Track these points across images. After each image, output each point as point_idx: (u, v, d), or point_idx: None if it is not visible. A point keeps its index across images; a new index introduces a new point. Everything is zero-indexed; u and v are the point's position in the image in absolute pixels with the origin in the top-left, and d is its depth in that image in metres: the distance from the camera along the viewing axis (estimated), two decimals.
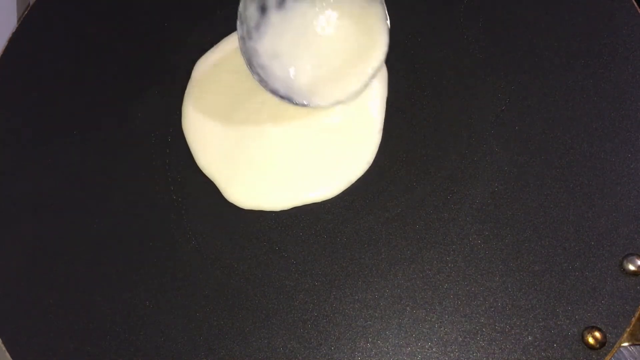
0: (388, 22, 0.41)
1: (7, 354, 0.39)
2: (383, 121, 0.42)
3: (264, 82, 0.41)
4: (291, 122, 0.43)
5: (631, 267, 0.36)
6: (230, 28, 0.46)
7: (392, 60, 0.44)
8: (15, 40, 0.50)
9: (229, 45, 0.46)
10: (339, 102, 0.42)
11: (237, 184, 0.42)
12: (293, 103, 0.41)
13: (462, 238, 0.38)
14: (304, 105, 0.41)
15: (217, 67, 0.46)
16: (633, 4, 0.42)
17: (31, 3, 0.51)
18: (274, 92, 0.41)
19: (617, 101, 0.40)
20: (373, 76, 0.41)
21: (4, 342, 0.40)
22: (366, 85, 0.41)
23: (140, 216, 0.42)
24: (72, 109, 0.47)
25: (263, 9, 0.41)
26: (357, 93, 0.41)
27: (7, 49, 0.50)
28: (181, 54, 0.47)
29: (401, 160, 0.41)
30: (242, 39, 0.41)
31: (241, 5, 0.40)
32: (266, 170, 0.42)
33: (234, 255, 0.40)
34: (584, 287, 0.36)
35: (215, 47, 0.47)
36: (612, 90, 0.40)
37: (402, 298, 0.37)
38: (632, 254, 0.36)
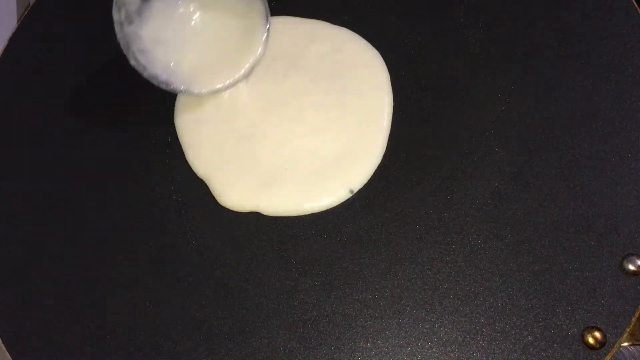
0: (269, 20, 0.41)
1: (7, 354, 0.39)
2: (389, 133, 0.42)
3: (141, 67, 0.41)
4: (290, 124, 0.43)
5: (631, 267, 0.36)
6: None
7: (392, 61, 0.44)
8: (15, 40, 0.50)
9: None
10: (216, 92, 0.42)
11: (230, 188, 0.42)
12: (170, 89, 0.41)
13: (462, 238, 0.38)
14: (181, 92, 0.42)
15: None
16: (633, 4, 0.42)
17: (31, 3, 0.51)
18: (153, 77, 0.41)
19: (617, 101, 0.40)
20: (253, 67, 0.42)
21: (4, 342, 0.40)
22: (246, 76, 0.42)
23: (140, 216, 0.42)
24: (72, 109, 0.47)
25: None
26: (235, 83, 0.42)
27: (7, 49, 0.50)
28: None
29: (401, 160, 0.41)
30: (120, 24, 0.40)
31: None
32: (262, 176, 0.42)
33: (234, 255, 0.40)
34: (584, 287, 0.36)
35: None
36: (612, 90, 0.40)
37: (402, 298, 0.37)
38: (632, 254, 0.36)
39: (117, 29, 0.41)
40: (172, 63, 0.42)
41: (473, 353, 0.36)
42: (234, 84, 0.43)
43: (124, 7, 0.40)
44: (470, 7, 0.45)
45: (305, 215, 0.41)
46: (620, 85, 0.40)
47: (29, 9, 0.51)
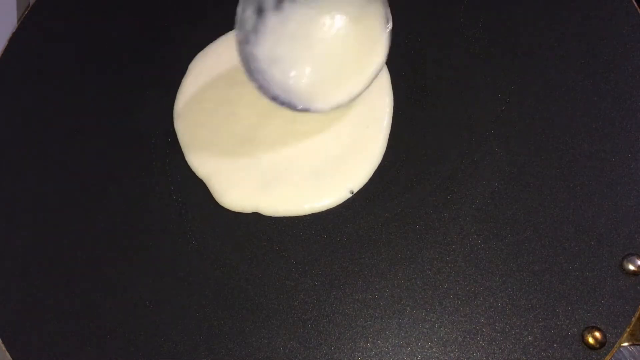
0: (390, 23, 0.40)
1: (7, 354, 0.39)
2: (389, 133, 0.42)
3: (263, 89, 0.39)
4: (290, 125, 0.43)
5: (631, 267, 0.36)
6: (226, 28, 0.46)
7: (392, 61, 0.44)
8: (15, 40, 0.50)
9: (223, 47, 0.46)
10: (340, 106, 0.41)
11: (230, 189, 0.42)
12: (295, 109, 0.40)
13: (462, 238, 0.38)
14: (305, 111, 0.40)
15: (210, 71, 0.46)
16: (633, 4, 0.42)
17: (31, 3, 0.51)
18: (275, 99, 0.40)
19: (617, 101, 0.40)
20: (373, 78, 0.41)
21: (4, 342, 0.40)
22: (367, 87, 0.41)
23: (140, 216, 0.42)
24: (72, 109, 0.47)
25: (260, 12, 0.40)
26: (358, 95, 0.41)
27: (7, 49, 0.50)
28: (182, 53, 0.47)
29: (401, 160, 0.41)
30: (240, 44, 0.39)
31: (239, 8, 0.39)
32: (262, 177, 0.42)
33: (234, 255, 0.40)
34: (584, 287, 0.36)
35: (208, 48, 0.47)
36: (612, 90, 0.40)
37: (402, 298, 0.37)
38: (632, 254, 0.36)
39: (238, 49, 0.39)
40: (289, 81, 0.40)
41: (473, 353, 0.36)
42: (356, 96, 0.41)
43: (243, 26, 0.39)
44: (470, 7, 0.45)
45: (305, 215, 0.41)
46: (620, 85, 0.40)
47: (29, 9, 0.51)
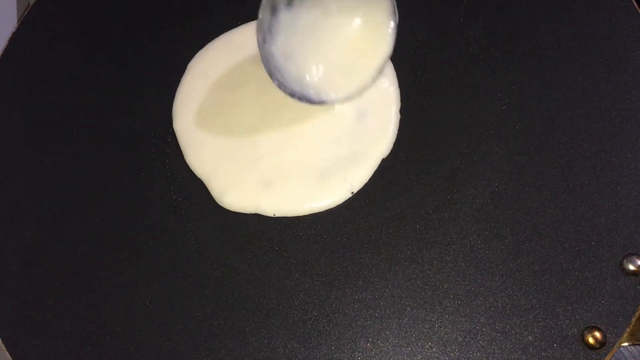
0: (396, 15, 0.40)
1: (7, 354, 0.39)
2: (391, 134, 0.42)
3: (282, 86, 0.40)
4: (291, 125, 0.43)
5: (631, 267, 0.36)
6: (225, 27, 0.46)
7: (392, 61, 0.44)
8: (15, 40, 0.50)
9: (222, 46, 0.46)
10: (351, 97, 0.41)
11: (230, 190, 0.42)
12: (312, 102, 0.41)
13: (462, 238, 0.38)
14: (321, 103, 0.41)
15: (210, 70, 0.46)
16: (633, 4, 0.42)
17: (31, 3, 0.51)
18: (293, 95, 0.41)
19: (617, 101, 0.40)
20: (382, 69, 0.41)
21: (4, 342, 0.40)
22: (376, 78, 0.41)
23: (140, 216, 0.42)
24: (72, 109, 0.47)
25: (274, 10, 0.41)
26: (368, 86, 0.41)
27: (7, 49, 0.50)
28: (181, 53, 0.47)
29: (401, 160, 0.41)
30: (259, 44, 0.40)
31: (260, 10, 0.40)
32: (262, 177, 0.42)
33: (234, 255, 0.40)
34: (584, 287, 0.36)
35: (207, 47, 0.47)
36: (612, 90, 0.40)
37: (402, 298, 0.37)
38: (632, 254, 0.36)
39: (260, 50, 0.40)
40: (303, 75, 0.41)
41: (473, 353, 0.36)
42: (367, 87, 0.41)
43: (261, 26, 0.40)
44: (470, 7, 0.45)
45: (305, 215, 0.41)
46: (620, 85, 0.40)
47: (29, 9, 0.51)
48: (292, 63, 0.41)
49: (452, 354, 0.36)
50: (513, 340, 0.35)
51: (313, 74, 0.42)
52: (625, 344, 0.35)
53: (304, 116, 0.43)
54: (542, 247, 0.37)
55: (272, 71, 0.40)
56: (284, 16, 0.41)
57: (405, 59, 0.44)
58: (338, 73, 0.42)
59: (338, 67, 0.42)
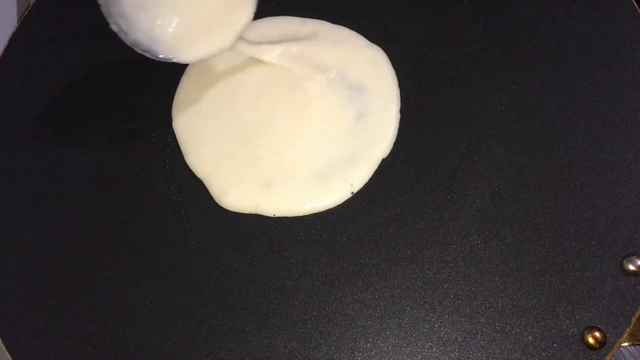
0: None
1: (7, 354, 0.39)
2: (391, 134, 0.42)
3: (123, 34, 0.39)
4: (291, 125, 0.43)
5: (631, 267, 0.36)
6: None
7: (392, 61, 0.44)
8: (15, 40, 0.50)
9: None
10: (201, 58, 0.41)
11: (230, 190, 0.42)
12: (156, 57, 0.40)
13: (462, 238, 0.38)
14: (167, 60, 0.40)
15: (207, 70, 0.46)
16: (633, 4, 0.42)
17: (31, 3, 0.51)
18: (135, 45, 0.39)
19: (617, 101, 0.40)
20: (239, 35, 0.40)
21: (4, 342, 0.40)
22: (232, 45, 0.41)
23: (140, 216, 0.42)
24: (72, 109, 0.47)
25: None
26: (222, 51, 0.41)
27: (7, 49, 0.50)
28: None
29: (401, 160, 0.41)
30: None
31: None
32: (263, 177, 0.42)
33: (234, 255, 0.40)
34: (584, 287, 0.36)
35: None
36: (612, 90, 0.40)
37: (402, 298, 0.37)
38: (632, 254, 0.36)
39: None
40: (156, 30, 0.40)
41: (473, 353, 0.36)
42: (220, 51, 0.41)
43: None
44: (470, 7, 0.45)
45: (305, 215, 0.41)
46: (620, 85, 0.40)
47: (29, 9, 0.51)
48: (143, 16, 0.39)
49: (452, 354, 0.36)
50: (513, 340, 0.35)
51: (166, 30, 0.40)
52: (625, 344, 0.35)
53: (304, 116, 0.43)
54: (542, 247, 0.37)
55: (114, 16, 0.38)
56: None
57: (405, 59, 0.44)
58: (194, 34, 0.40)
59: (195, 28, 0.40)
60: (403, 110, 0.43)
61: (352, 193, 0.41)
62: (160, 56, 0.40)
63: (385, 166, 0.41)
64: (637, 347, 0.41)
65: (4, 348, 0.39)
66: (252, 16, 0.41)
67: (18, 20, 0.51)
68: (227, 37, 0.41)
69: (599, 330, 0.35)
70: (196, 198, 0.42)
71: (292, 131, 0.43)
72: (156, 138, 0.45)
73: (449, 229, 0.39)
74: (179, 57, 0.40)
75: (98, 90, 0.47)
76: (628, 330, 0.35)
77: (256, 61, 0.45)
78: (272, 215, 0.41)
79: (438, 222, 0.39)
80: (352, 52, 0.45)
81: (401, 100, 0.43)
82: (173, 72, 0.46)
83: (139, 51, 0.39)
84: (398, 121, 0.42)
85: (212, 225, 0.41)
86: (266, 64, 0.44)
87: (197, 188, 0.43)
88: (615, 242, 0.37)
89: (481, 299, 0.37)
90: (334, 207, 0.41)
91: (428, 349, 0.36)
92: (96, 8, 0.51)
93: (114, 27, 0.38)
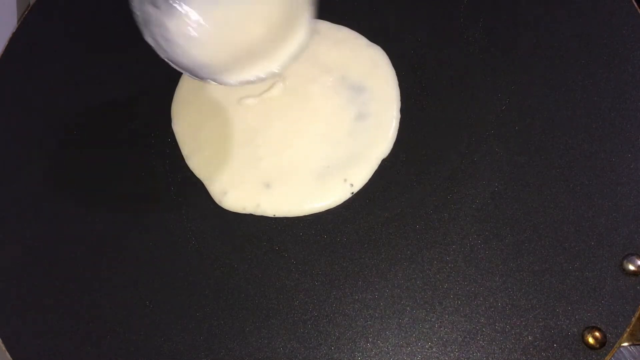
0: (313, 9, 0.38)
1: (7, 354, 0.39)
2: (391, 135, 0.42)
3: (161, 50, 0.37)
4: (291, 125, 0.43)
5: (631, 267, 0.36)
6: None
7: (392, 61, 0.44)
8: (15, 40, 0.50)
9: None
10: (247, 83, 0.39)
11: (230, 190, 0.42)
12: (197, 78, 0.38)
13: (462, 238, 0.38)
14: (209, 81, 0.39)
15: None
16: (633, 4, 0.42)
17: (31, 3, 0.51)
18: (173, 63, 0.37)
19: (617, 101, 0.40)
20: (289, 62, 0.39)
21: (4, 342, 0.40)
22: (282, 70, 0.39)
23: (140, 216, 0.42)
24: (72, 109, 0.47)
25: None
26: (270, 76, 0.39)
27: (7, 49, 0.50)
28: None
29: (401, 160, 0.41)
30: (142, 5, 0.36)
31: None
32: (263, 177, 0.42)
33: (234, 255, 0.40)
34: (584, 287, 0.36)
35: None
36: (612, 90, 0.40)
37: (402, 298, 0.37)
38: (632, 254, 0.36)
39: (135, 3, 0.36)
40: (206, 60, 0.38)
41: (473, 353, 0.36)
42: (266, 78, 0.39)
43: None
44: (470, 7, 0.45)
45: (305, 215, 0.41)
46: (620, 85, 0.40)
47: (29, 9, 0.51)
48: (190, 44, 0.37)
49: (452, 354, 0.36)
50: (513, 340, 0.35)
51: (217, 60, 0.38)
52: (625, 344, 0.35)
53: (304, 116, 0.43)
54: (542, 247, 0.37)
55: (155, 35, 0.36)
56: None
57: (405, 59, 0.44)
58: (240, 59, 0.39)
59: (242, 53, 0.38)
60: (403, 110, 0.43)
61: (352, 193, 0.41)
62: (202, 78, 0.38)
63: (385, 166, 0.41)
64: (637, 347, 0.41)
65: (4, 348, 0.39)
66: (303, 46, 0.38)
67: (18, 20, 0.51)
68: (273, 64, 0.39)
69: (599, 330, 0.35)
70: (196, 198, 0.42)
71: (292, 131, 0.43)
72: (156, 139, 0.45)
73: (449, 229, 0.39)
74: (225, 81, 0.39)
75: (98, 90, 0.47)
76: (628, 330, 0.35)
77: None
78: (272, 216, 0.41)
79: (438, 222, 0.39)
80: (353, 52, 0.45)
81: (401, 100, 0.43)
82: (173, 72, 0.46)
83: (178, 68, 0.37)
84: (398, 121, 0.42)
85: (212, 225, 0.41)
86: None
87: (197, 188, 0.43)
88: (615, 242, 0.37)
89: (481, 299, 0.37)
90: (334, 207, 0.41)
91: (428, 349, 0.36)
92: (96, 8, 0.51)
93: (149, 41, 0.37)
